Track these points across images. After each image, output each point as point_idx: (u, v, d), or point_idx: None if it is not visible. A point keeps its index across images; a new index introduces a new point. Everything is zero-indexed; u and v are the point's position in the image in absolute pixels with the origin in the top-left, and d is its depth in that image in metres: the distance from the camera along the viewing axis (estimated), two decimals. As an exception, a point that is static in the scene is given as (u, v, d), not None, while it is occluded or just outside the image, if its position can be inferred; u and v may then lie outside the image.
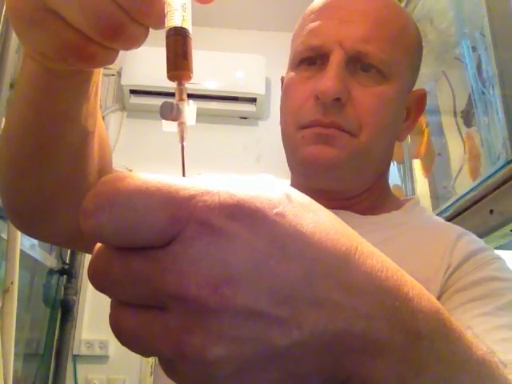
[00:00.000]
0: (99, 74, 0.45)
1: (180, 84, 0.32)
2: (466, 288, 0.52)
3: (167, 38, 0.32)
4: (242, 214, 0.22)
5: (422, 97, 0.68)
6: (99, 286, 0.23)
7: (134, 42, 0.34)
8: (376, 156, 0.63)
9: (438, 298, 0.53)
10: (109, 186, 0.22)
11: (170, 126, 0.31)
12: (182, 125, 0.31)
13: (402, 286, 0.26)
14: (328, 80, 0.57)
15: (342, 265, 0.24)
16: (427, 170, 1.52)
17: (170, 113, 0.31)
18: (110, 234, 0.22)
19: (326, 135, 0.59)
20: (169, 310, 0.22)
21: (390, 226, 0.62)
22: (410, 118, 0.68)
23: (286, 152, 0.65)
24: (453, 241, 0.57)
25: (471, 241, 0.59)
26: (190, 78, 0.32)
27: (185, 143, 0.31)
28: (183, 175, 0.30)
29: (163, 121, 0.31)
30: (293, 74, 0.64)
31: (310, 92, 0.60)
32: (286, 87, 0.65)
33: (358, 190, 0.65)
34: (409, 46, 0.64)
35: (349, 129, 0.59)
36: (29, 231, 0.59)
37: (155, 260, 0.22)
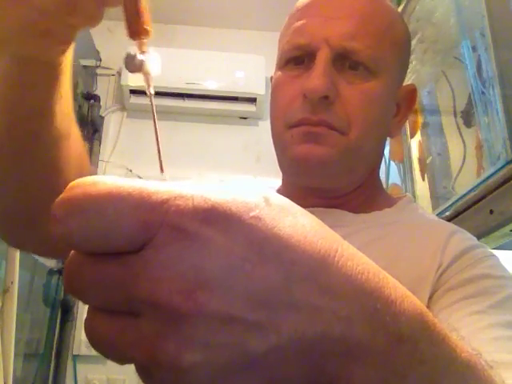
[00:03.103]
0: (68, 76, 0.46)
1: (140, 39, 0.34)
2: (459, 286, 0.52)
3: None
4: (217, 219, 0.21)
5: (411, 92, 0.68)
6: (73, 292, 0.22)
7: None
8: (366, 153, 0.63)
9: (430, 297, 0.53)
10: (78, 190, 0.21)
11: (136, 80, 0.34)
12: (146, 75, 0.34)
13: (384, 289, 0.25)
14: (315, 78, 0.57)
15: (320, 267, 0.23)
16: (422, 172, 1.52)
17: (133, 63, 0.33)
18: (81, 240, 0.21)
19: (315, 133, 0.58)
20: (142, 316, 0.21)
21: (382, 224, 0.61)
22: (401, 114, 0.67)
23: (276, 152, 0.65)
24: (445, 238, 0.57)
25: (463, 238, 0.59)
26: (148, 33, 0.34)
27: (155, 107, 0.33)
28: (158, 150, 0.32)
29: (129, 74, 0.34)
30: (280, 73, 0.64)
31: (297, 91, 0.60)
32: (274, 87, 0.65)
33: (350, 188, 0.64)
34: (396, 41, 0.63)
35: (338, 126, 0.59)
36: (13, 242, 0.58)
37: (127, 265, 0.21)
